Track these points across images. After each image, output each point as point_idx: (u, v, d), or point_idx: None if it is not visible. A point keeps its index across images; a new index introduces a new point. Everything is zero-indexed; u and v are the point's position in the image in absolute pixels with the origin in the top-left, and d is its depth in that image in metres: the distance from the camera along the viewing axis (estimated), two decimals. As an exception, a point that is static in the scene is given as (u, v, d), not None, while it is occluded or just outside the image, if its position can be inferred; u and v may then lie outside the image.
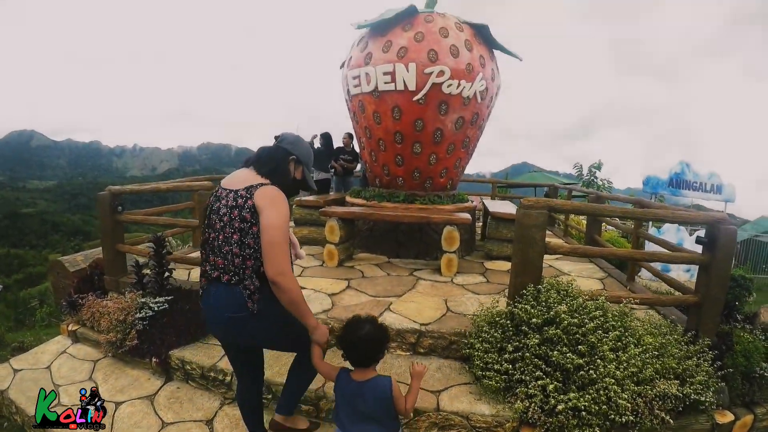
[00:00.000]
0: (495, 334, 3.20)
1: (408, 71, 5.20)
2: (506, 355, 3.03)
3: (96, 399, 2.79)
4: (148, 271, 4.30)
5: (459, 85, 5.30)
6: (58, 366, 4.12)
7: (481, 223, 7.76)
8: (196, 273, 4.92)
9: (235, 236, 2.11)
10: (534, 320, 3.05)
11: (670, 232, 12.09)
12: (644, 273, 8.50)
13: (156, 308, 3.95)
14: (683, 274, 11.84)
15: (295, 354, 2.58)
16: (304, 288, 4.56)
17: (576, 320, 2.99)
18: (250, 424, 2.67)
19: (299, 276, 5.01)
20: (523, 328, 3.09)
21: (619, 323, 3.12)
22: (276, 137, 2.42)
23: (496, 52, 6.03)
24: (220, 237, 2.16)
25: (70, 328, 4.51)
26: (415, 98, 5.27)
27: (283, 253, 2.03)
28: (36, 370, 4.05)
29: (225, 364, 3.45)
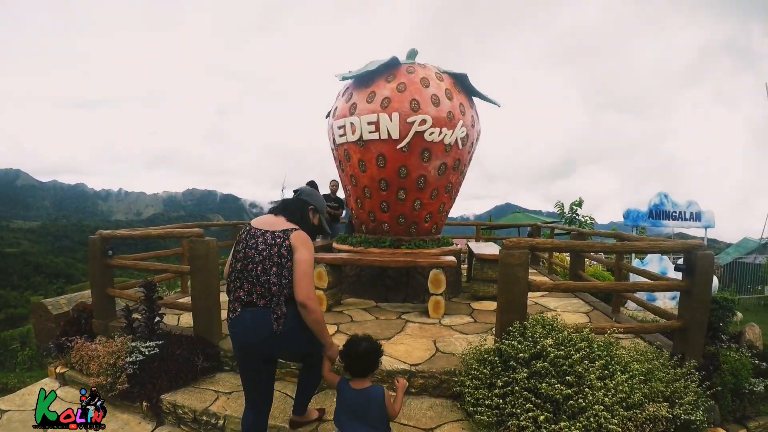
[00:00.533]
0: (484, 371, 3.28)
1: (391, 121, 5.43)
2: (496, 390, 3.10)
3: (96, 399, 2.80)
4: (138, 316, 4.33)
5: (441, 132, 5.53)
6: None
7: (466, 265, 7.91)
8: (185, 318, 4.96)
9: (273, 269, 2.50)
10: (521, 355, 3.14)
11: (654, 263, 12.31)
12: (630, 304, 8.65)
13: (147, 352, 3.95)
14: (669, 302, 11.98)
15: (310, 368, 2.99)
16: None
17: (562, 352, 3.08)
18: None
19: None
20: (512, 363, 3.18)
21: (605, 353, 3.22)
22: (295, 191, 2.99)
23: (476, 100, 6.31)
24: (258, 268, 2.53)
25: (58, 370, 4.45)
26: (399, 146, 5.49)
27: (311, 282, 2.52)
28: (23, 411, 3.98)
29: (217, 407, 3.47)
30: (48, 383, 4.50)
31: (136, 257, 5.38)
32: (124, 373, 3.89)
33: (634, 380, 3.03)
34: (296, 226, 2.66)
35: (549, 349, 3.10)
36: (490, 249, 6.57)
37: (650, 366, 3.27)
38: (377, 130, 5.52)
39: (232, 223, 8.20)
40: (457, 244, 6.67)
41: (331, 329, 4.69)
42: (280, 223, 2.67)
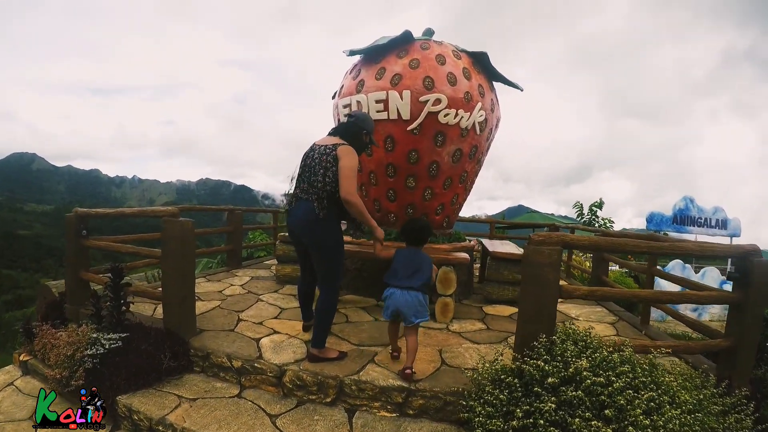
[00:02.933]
0: (500, 396, 2.65)
1: (402, 99, 4.84)
2: (515, 423, 2.47)
3: (96, 399, 2.73)
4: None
5: (456, 114, 4.93)
6: (0, 399, 3.64)
7: (479, 265, 7.29)
8: (161, 310, 4.45)
9: (320, 171, 3.28)
10: (550, 380, 2.52)
11: (675, 270, 11.63)
12: (652, 313, 8.03)
13: (108, 345, 3.44)
14: (691, 312, 11.29)
15: (322, 290, 3.48)
16: (279, 333, 4.10)
17: (601, 378, 2.47)
18: (303, 308, 4.04)
19: (276, 318, 4.56)
20: (535, 388, 2.55)
21: (649, 379, 2.61)
22: (349, 115, 3.76)
23: (496, 85, 5.71)
24: (310, 172, 3.36)
25: (22, 358, 4.04)
26: (410, 128, 4.89)
27: (352, 183, 3.22)
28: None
29: (176, 417, 2.96)
30: (11, 371, 4.10)
31: (112, 239, 4.86)
32: (82, 367, 3.36)
33: (684, 416, 2.41)
34: (344, 142, 3.40)
35: (584, 373, 2.47)
36: (507, 247, 5.96)
37: (700, 396, 2.66)
38: (386, 109, 4.92)
39: (226, 208, 7.63)
40: (470, 241, 6.08)
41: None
42: (334, 141, 3.42)
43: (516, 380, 2.69)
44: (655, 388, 2.55)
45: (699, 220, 12.14)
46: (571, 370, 2.53)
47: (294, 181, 3.56)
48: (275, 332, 4.13)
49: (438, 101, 4.83)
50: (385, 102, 4.90)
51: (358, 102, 5.09)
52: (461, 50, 5.31)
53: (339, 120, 5.50)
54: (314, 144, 3.52)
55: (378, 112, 4.95)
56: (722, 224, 12.57)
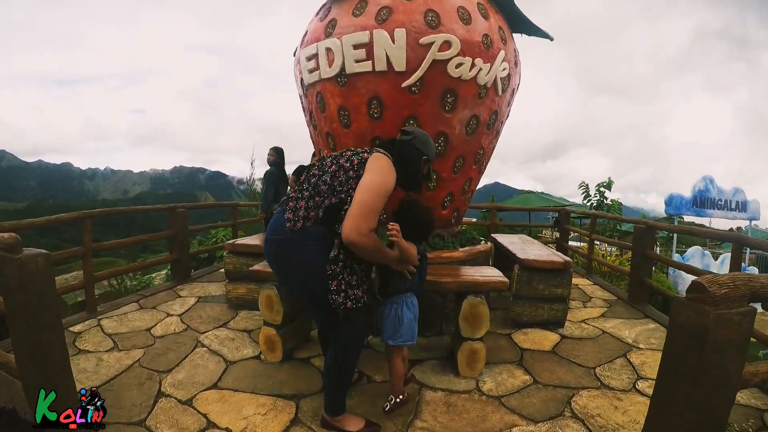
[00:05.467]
0: None
1: (394, 42, 3.25)
2: None
3: (96, 399, 2.47)
4: None
5: (473, 65, 3.38)
6: None
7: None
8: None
9: (332, 167, 2.20)
10: None
11: (695, 258, 10.40)
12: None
13: None
14: None
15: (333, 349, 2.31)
16: (217, 429, 2.52)
17: None
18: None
19: (216, 385, 2.99)
20: None
21: None
22: (404, 131, 2.49)
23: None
24: (314, 179, 2.23)
25: None
26: (406, 84, 3.31)
27: (367, 215, 2.05)
28: None
29: None
30: None
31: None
32: None
33: None
34: (389, 155, 2.27)
35: None
36: (536, 250, 4.43)
37: None
38: (369, 57, 3.32)
39: (165, 207, 5.97)
40: (484, 241, 4.54)
41: (285, 414, 2.62)
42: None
43: None
44: None
45: (719, 202, 11.02)
46: None
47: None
48: (210, 427, 2.54)
49: (447, 44, 3.27)
50: (369, 47, 3.31)
51: (328, 49, 3.48)
52: (473, -19, 3.72)
53: (302, 79, 3.89)
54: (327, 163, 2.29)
55: (358, 62, 3.36)
56: (742, 206, 11.52)
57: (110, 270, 5.31)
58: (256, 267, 3.22)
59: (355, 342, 2.31)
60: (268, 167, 6.56)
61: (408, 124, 3.43)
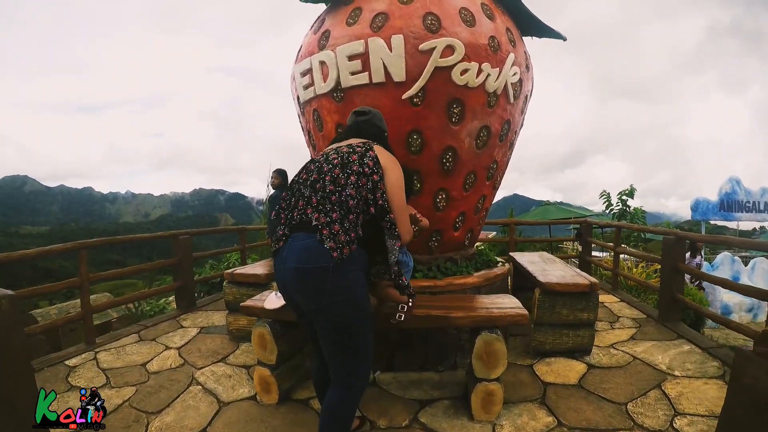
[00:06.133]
0: None
1: (391, 50, 2.98)
2: None
3: (96, 399, 2.48)
4: None
5: (480, 71, 3.08)
6: None
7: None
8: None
9: (352, 177, 2.00)
10: None
11: (725, 266, 9.91)
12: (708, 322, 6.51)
13: None
14: (745, 315, 9.61)
15: (336, 388, 2.02)
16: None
17: None
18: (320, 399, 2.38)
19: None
20: None
21: None
22: (360, 112, 2.38)
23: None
24: (327, 178, 2.02)
25: None
26: (407, 95, 3.03)
27: (407, 214, 2.17)
28: None
29: None
30: None
31: None
32: None
33: None
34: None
35: None
36: (558, 269, 4.08)
37: None
38: (366, 68, 3.06)
39: (166, 234, 5.75)
40: (502, 263, 4.19)
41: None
42: (357, 141, 2.19)
43: None
44: None
45: (747, 204, 10.53)
46: None
47: (280, 211, 2.14)
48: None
49: (450, 49, 2.98)
50: (364, 57, 3.04)
51: (322, 63, 3.22)
52: (476, -20, 3.44)
53: (298, 96, 3.63)
54: (321, 153, 2.21)
55: (353, 74, 3.09)
56: None
57: (108, 301, 5.10)
58: (247, 303, 2.94)
59: (366, 380, 2.08)
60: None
61: (411, 140, 3.15)
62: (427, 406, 2.89)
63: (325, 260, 1.89)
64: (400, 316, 2.42)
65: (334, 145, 2.21)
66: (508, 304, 2.76)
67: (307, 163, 2.20)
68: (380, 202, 2.00)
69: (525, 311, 2.64)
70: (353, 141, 2.19)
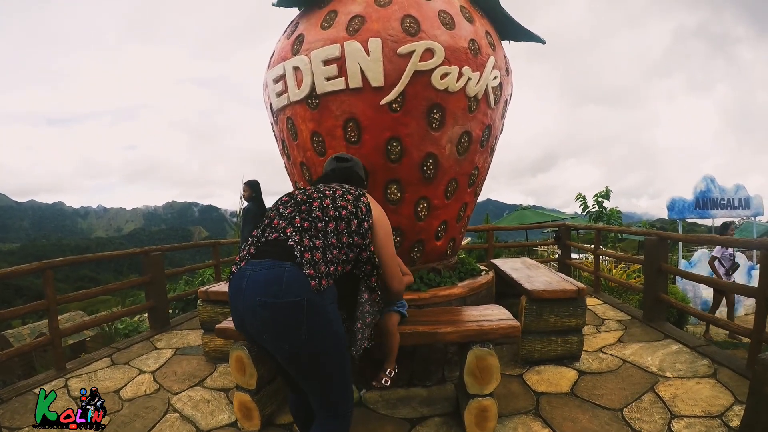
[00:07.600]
0: None
1: (368, 54, 2.86)
2: None
3: (96, 399, 2.51)
4: None
5: (461, 74, 2.99)
6: None
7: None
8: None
9: (337, 216, 1.86)
10: None
11: (702, 263, 10.01)
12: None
13: None
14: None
15: (324, 421, 1.84)
16: None
17: None
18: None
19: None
20: None
21: None
22: (341, 158, 2.35)
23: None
24: (315, 204, 1.88)
25: None
26: (385, 100, 2.91)
27: (397, 265, 2.18)
28: None
29: None
30: None
31: None
32: None
33: None
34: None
35: None
36: (543, 275, 4.00)
37: None
38: (342, 73, 2.93)
39: (136, 251, 5.51)
40: (485, 272, 4.09)
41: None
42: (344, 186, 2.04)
43: None
44: None
45: (722, 201, 10.72)
46: None
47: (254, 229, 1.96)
48: None
49: (429, 53, 2.88)
50: (340, 62, 2.92)
51: (296, 68, 3.09)
52: (453, -17, 3.35)
53: (271, 104, 3.48)
54: (304, 188, 2.05)
55: (329, 79, 2.96)
56: (745, 203, 11.23)
57: (78, 323, 4.85)
58: (223, 324, 2.76)
59: (351, 400, 1.92)
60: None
61: (391, 147, 3.03)
62: (418, 425, 2.76)
63: (298, 292, 1.65)
64: (386, 381, 2.37)
65: (320, 185, 2.06)
66: (498, 315, 2.65)
67: (289, 192, 2.05)
68: (373, 248, 1.96)
69: (517, 323, 2.53)
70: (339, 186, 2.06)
